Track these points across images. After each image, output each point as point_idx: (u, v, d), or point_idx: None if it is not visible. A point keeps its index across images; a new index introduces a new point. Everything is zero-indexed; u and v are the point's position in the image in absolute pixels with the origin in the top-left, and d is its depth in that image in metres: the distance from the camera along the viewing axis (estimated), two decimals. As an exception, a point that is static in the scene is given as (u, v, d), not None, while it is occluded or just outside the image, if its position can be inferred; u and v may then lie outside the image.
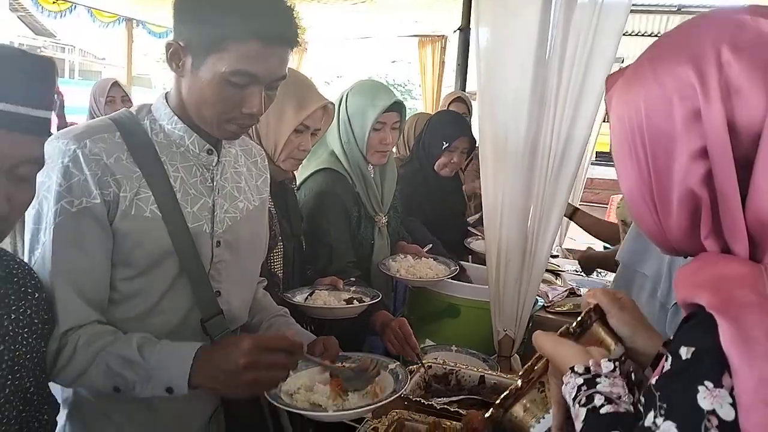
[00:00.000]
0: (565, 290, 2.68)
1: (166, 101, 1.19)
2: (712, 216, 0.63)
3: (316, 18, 4.75)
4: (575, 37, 1.90)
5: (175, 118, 1.18)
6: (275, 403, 1.20)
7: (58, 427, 1.16)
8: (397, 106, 2.04)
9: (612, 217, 4.10)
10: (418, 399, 1.50)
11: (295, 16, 1.13)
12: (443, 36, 6.60)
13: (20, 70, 0.82)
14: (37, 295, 1.01)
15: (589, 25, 1.88)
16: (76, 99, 4.47)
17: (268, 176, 1.42)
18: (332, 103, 1.72)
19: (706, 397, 0.56)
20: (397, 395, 1.25)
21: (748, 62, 0.59)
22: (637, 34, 4.27)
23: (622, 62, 4.07)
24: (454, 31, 4.04)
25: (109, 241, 1.11)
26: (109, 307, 1.15)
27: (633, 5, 1.95)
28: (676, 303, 1.18)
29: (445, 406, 1.47)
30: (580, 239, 4.39)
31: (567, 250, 4.02)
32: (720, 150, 0.60)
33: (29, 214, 1.09)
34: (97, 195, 1.08)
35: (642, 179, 0.67)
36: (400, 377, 1.29)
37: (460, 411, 1.44)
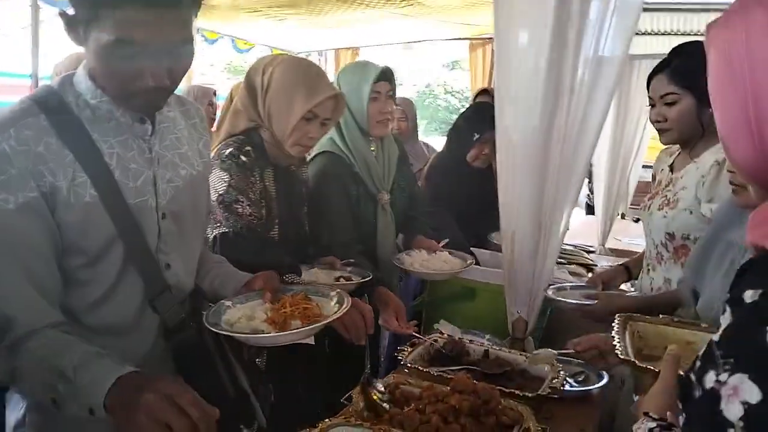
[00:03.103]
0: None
1: (87, 72, 1.09)
2: None
3: (362, 22, 4.89)
4: (590, 34, 1.98)
5: (99, 91, 1.08)
6: (215, 330, 1.20)
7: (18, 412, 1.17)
8: (387, 75, 2.09)
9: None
10: (416, 366, 1.60)
11: None
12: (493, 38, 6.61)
13: None
14: None
15: (603, 22, 1.96)
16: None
17: (209, 138, 1.36)
18: (343, 93, 1.78)
19: None
20: (337, 316, 1.27)
21: None
22: (650, 33, 4.25)
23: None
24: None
25: (55, 234, 1.05)
26: (66, 295, 1.10)
27: (645, 3, 2.01)
28: None
29: (443, 374, 1.56)
30: (625, 240, 4.33)
31: (610, 249, 4.00)
32: None
33: None
34: (34, 187, 1.00)
35: (742, 107, 0.66)
36: (344, 303, 1.33)
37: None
